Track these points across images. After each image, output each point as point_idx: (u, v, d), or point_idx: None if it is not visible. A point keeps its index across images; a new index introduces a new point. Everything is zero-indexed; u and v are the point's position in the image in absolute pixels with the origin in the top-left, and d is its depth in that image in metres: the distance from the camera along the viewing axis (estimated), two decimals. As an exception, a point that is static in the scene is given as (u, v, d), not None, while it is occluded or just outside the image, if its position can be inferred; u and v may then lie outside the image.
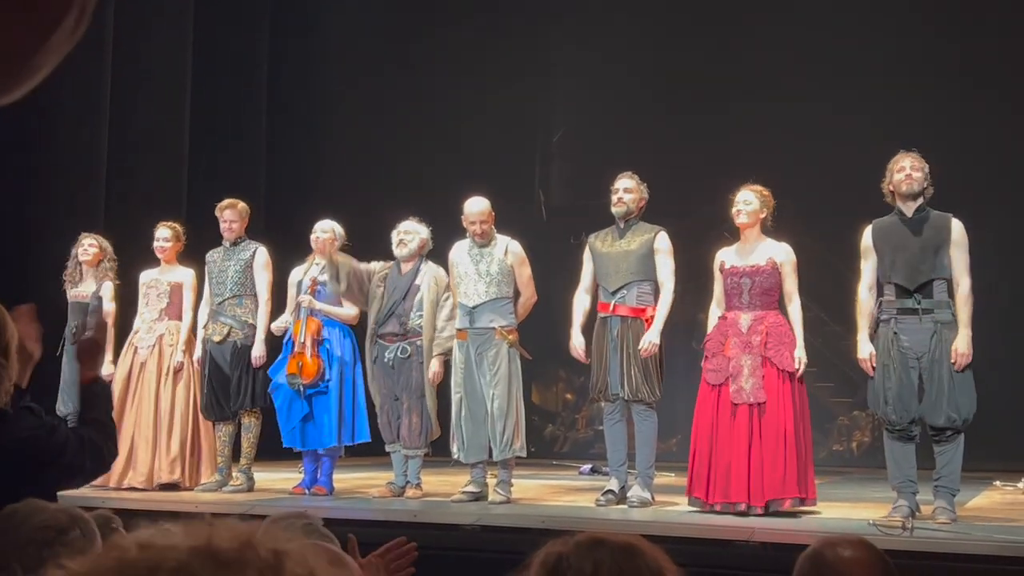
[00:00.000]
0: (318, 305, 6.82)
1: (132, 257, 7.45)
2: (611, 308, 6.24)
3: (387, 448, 6.73)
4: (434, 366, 6.54)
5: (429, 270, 6.70)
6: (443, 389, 6.66)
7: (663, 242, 6.29)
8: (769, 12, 10.15)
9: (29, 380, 2.82)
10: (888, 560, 2.25)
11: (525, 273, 6.48)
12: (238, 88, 10.15)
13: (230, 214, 7.04)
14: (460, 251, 6.54)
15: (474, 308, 6.37)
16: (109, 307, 7.09)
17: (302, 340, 6.74)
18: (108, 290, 7.19)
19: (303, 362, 6.70)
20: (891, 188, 5.65)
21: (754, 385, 5.69)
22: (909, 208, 5.61)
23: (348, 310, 6.90)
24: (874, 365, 5.54)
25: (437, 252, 6.91)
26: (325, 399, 6.75)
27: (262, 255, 7.05)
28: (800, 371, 5.78)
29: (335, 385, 6.75)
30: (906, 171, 5.58)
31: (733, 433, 5.67)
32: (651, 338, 6.11)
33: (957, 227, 5.55)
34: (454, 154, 10.43)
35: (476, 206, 6.47)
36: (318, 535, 2.25)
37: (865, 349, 5.58)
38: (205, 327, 7.02)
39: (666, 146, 10.01)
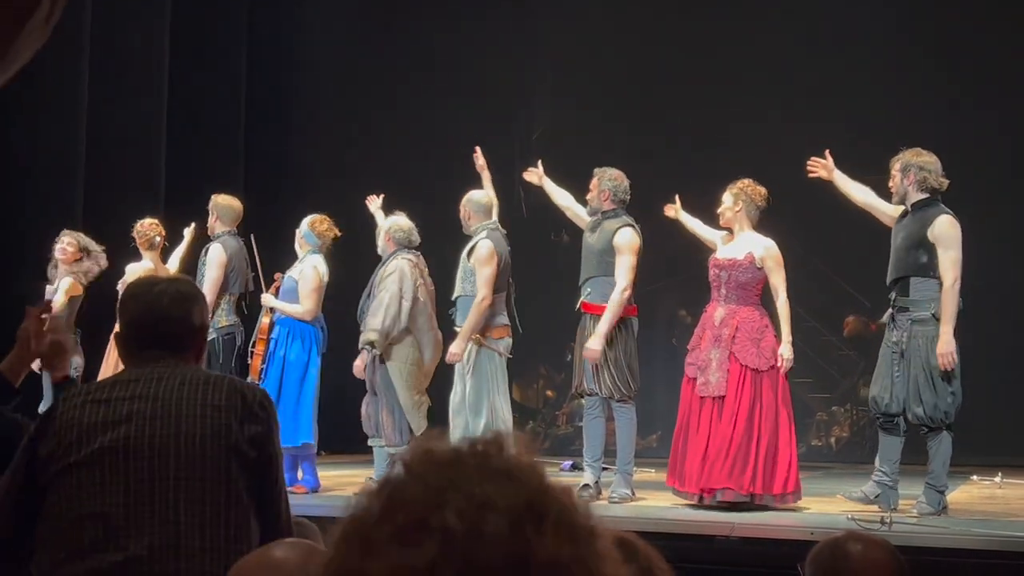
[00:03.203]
0: (272, 302, 6.80)
1: (108, 254, 7.43)
2: (579, 304, 6.29)
3: (369, 443, 6.74)
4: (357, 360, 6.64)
5: (395, 265, 6.62)
6: (443, 386, 6.68)
7: (621, 237, 6.14)
8: (752, 10, 10.16)
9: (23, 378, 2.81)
10: (906, 568, 2.25)
11: (483, 274, 6.31)
12: (216, 82, 10.08)
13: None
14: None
15: (454, 301, 6.48)
16: (58, 298, 6.90)
17: (255, 337, 6.78)
18: (66, 284, 7.07)
19: (251, 360, 6.76)
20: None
21: (719, 379, 5.74)
22: (909, 204, 5.64)
23: (298, 307, 6.74)
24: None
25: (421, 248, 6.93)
26: (302, 395, 6.73)
27: (215, 251, 6.91)
28: (784, 367, 5.80)
29: (272, 383, 6.65)
30: (890, 181, 5.70)
31: (700, 425, 5.79)
32: (592, 344, 6.02)
33: (940, 222, 5.46)
34: (435, 151, 10.40)
35: (469, 195, 6.59)
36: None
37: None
38: None
39: (647, 143, 10.01)
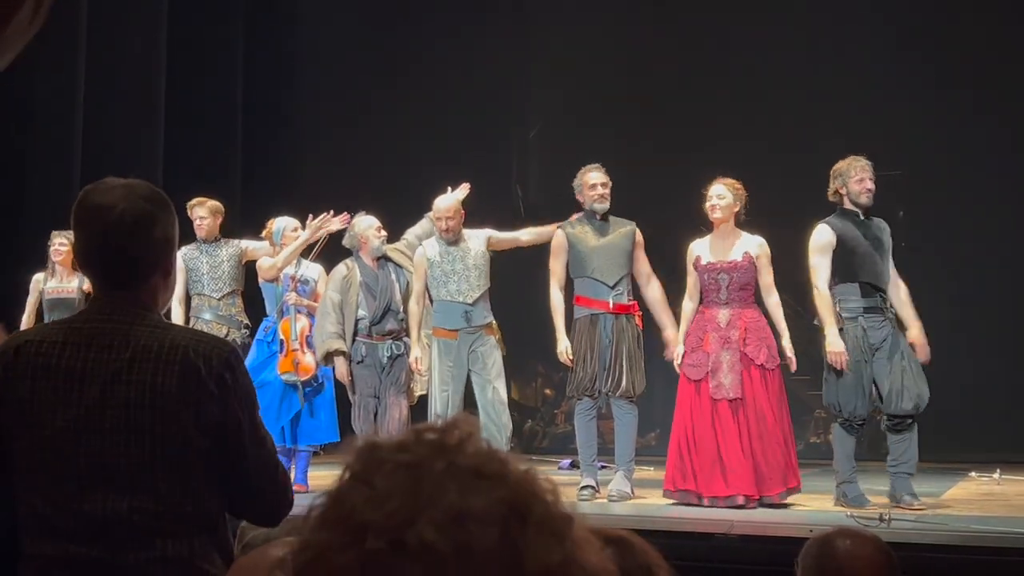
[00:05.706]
0: (305, 302, 6.86)
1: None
2: (611, 305, 6.17)
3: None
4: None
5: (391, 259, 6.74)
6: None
7: (640, 236, 6.34)
8: (745, 9, 10.16)
9: None
10: (896, 564, 2.25)
11: (508, 233, 6.63)
12: (213, 86, 10.07)
13: (200, 211, 7.13)
14: (433, 250, 6.50)
15: (473, 304, 6.37)
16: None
17: (294, 338, 6.74)
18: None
19: (299, 359, 6.71)
20: (843, 193, 5.82)
21: (733, 381, 5.73)
22: (860, 211, 5.85)
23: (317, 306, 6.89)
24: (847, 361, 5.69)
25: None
26: (322, 395, 6.78)
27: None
28: (793, 361, 5.95)
29: (329, 382, 6.78)
30: (866, 184, 5.79)
31: (720, 428, 5.73)
32: (680, 351, 6.00)
33: (886, 226, 5.91)
34: (431, 150, 10.40)
35: (445, 201, 6.50)
36: None
37: (840, 344, 5.69)
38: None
39: (642, 140, 10.01)
